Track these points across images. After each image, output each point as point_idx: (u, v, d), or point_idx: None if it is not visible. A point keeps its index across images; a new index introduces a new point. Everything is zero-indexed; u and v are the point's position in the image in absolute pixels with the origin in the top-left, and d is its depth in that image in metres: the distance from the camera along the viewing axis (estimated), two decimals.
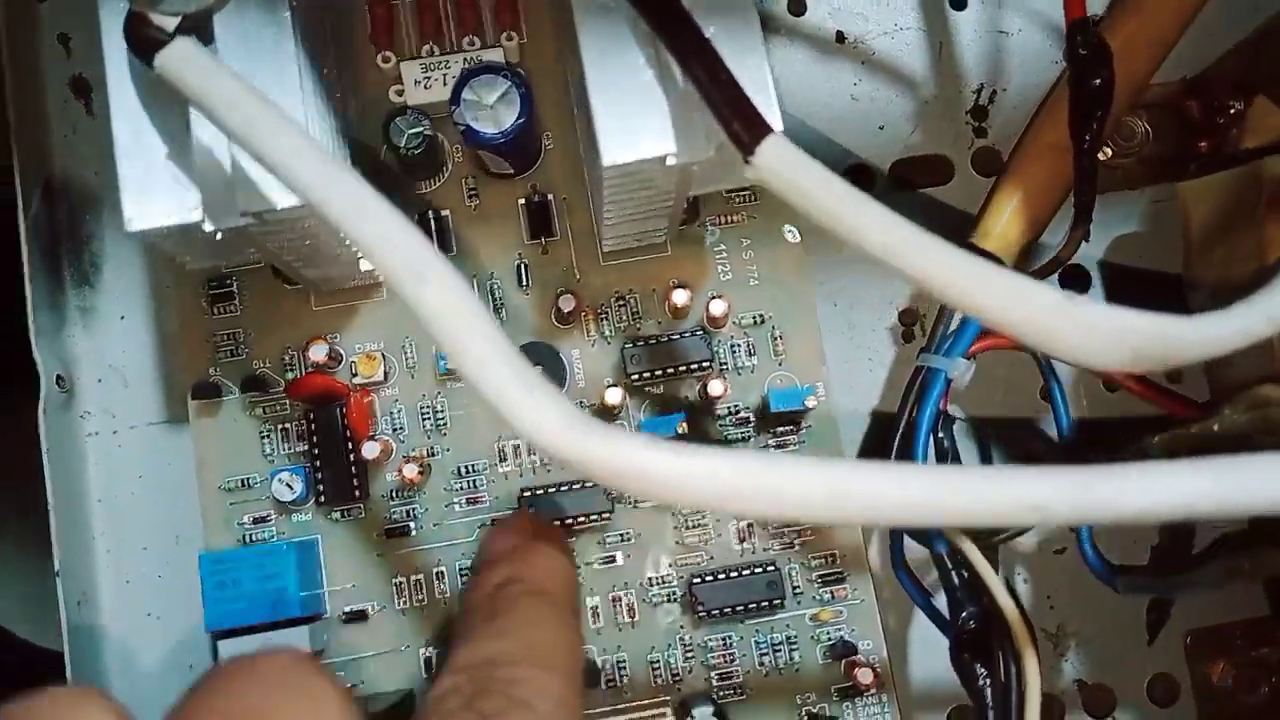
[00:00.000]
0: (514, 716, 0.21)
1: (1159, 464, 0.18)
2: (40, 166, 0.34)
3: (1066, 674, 0.34)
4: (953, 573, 0.30)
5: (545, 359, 0.31)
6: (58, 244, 0.34)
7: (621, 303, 0.33)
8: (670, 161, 0.25)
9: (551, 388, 0.19)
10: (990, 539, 0.30)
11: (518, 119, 0.30)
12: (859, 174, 0.36)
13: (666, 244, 0.33)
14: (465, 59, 0.32)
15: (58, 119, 0.35)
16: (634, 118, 0.25)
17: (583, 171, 0.33)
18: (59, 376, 0.33)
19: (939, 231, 0.36)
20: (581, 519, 0.31)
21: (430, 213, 0.33)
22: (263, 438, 0.32)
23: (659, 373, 0.32)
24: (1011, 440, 0.35)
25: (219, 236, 0.25)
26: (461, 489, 0.32)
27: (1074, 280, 0.36)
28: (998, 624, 0.29)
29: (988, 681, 0.28)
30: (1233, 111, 0.33)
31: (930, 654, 0.34)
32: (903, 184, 0.37)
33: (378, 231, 0.20)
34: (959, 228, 0.36)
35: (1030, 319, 0.20)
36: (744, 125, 0.23)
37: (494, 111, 0.30)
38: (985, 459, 0.34)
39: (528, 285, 0.33)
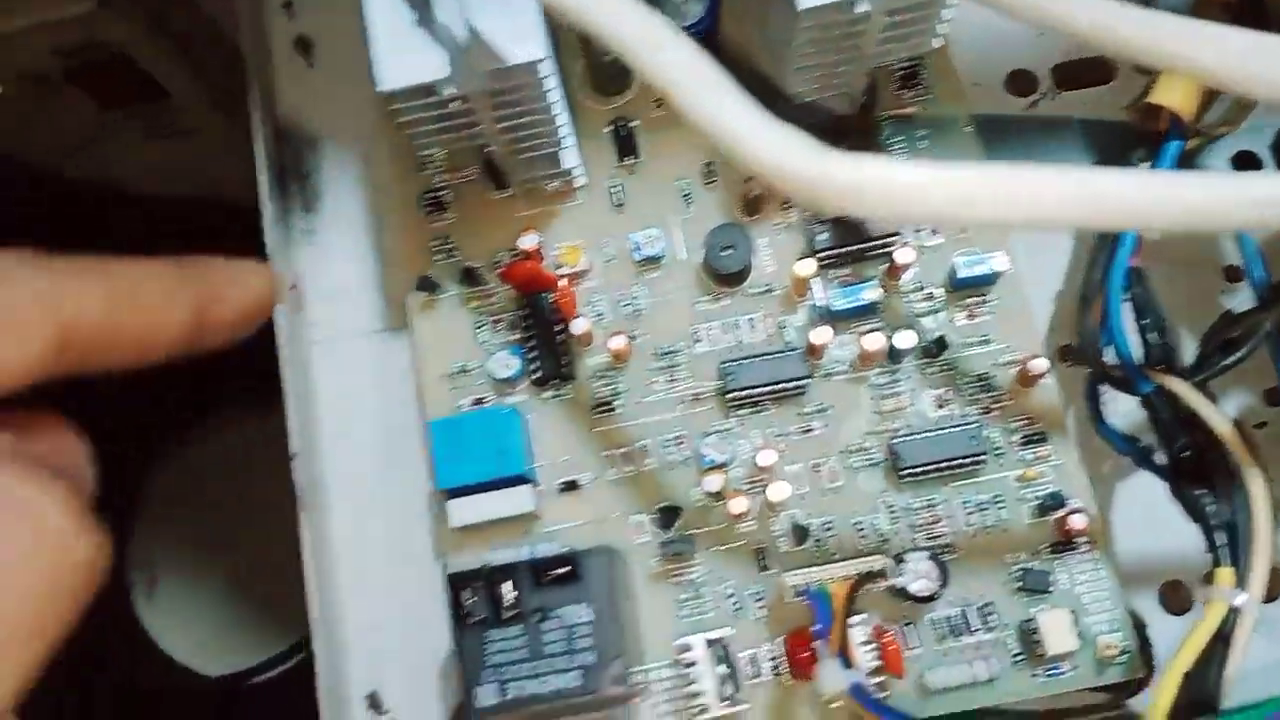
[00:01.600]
0: None
1: None
2: (270, 111, 0.38)
3: None
4: (1162, 411, 0.30)
5: (737, 239, 0.33)
6: (285, 176, 0.38)
7: None
8: (862, 7, 0.27)
9: (791, 127, 0.21)
10: (1202, 374, 0.30)
11: (704, 14, 0.32)
12: (1020, 79, 0.38)
13: (843, 136, 0.35)
14: None
15: (283, 71, 0.39)
16: None
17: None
18: (293, 284, 0.36)
19: (1102, 132, 0.38)
20: (779, 386, 0.33)
21: (619, 123, 0.36)
22: (477, 328, 0.34)
23: (845, 250, 0.33)
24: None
25: (453, 105, 0.28)
26: (661, 369, 0.34)
27: (1246, 165, 0.37)
28: (1214, 450, 0.29)
29: (1212, 503, 0.28)
30: None
31: (1136, 528, 0.34)
32: (1063, 85, 0.38)
33: (615, 8, 0.22)
34: (1123, 127, 0.37)
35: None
36: None
37: (682, 8, 0.33)
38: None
39: (714, 182, 0.35)
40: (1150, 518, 0.34)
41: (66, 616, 0.17)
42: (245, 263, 0.25)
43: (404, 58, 0.27)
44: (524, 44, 0.27)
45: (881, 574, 0.30)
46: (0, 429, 0.19)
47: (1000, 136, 0.37)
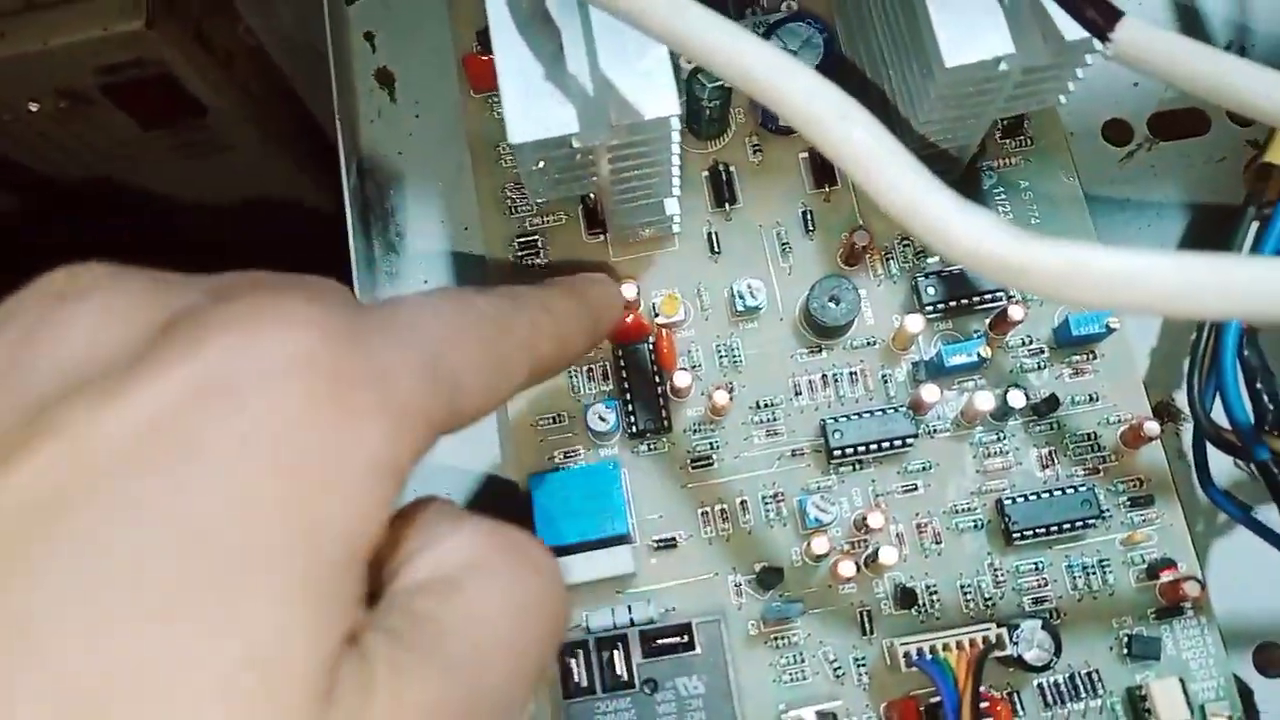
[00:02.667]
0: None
1: None
2: (354, 146, 0.37)
3: None
4: (1274, 478, 0.29)
5: (844, 292, 0.33)
6: (368, 214, 0.37)
7: (906, 243, 0.34)
8: (1004, 66, 0.27)
9: (982, 207, 0.20)
10: None
11: (821, 61, 0.32)
12: (1116, 129, 0.38)
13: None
14: (754, 24, 0.35)
15: (365, 106, 0.38)
16: (970, 20, 0.26)
17: None
18: None
19: (1205, 179, 0.37)
20: (885, 445, 0.32)
21: (717, 168, 0.35)
22: (571, 376, 0.34)
23: (952, 303, 0.33)
24: None
25: (578, 157, 0.28)
26: (760, 422, 0.33)
27: None
28: None
29: None
30: None
31: (1230, 588, 0.33)
32: (1160, 135, 0.37)
33: (800, 85, 0.21)
34: (1218, 178, 0.37)
35: None
36: (1098, 11, 0.24)
37: (798, 57, 0.32)
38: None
39: (812, 231, 0.35)
40: (1242, 577, 0.34)
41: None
42: (609, 285, 0.29)
43: (535, 110, 0.26)
44: (660, 99, 0.26)
45: (998, 644, 0.29)
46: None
47: (1096, 186, 0.37)
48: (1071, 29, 0.26)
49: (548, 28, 0.27)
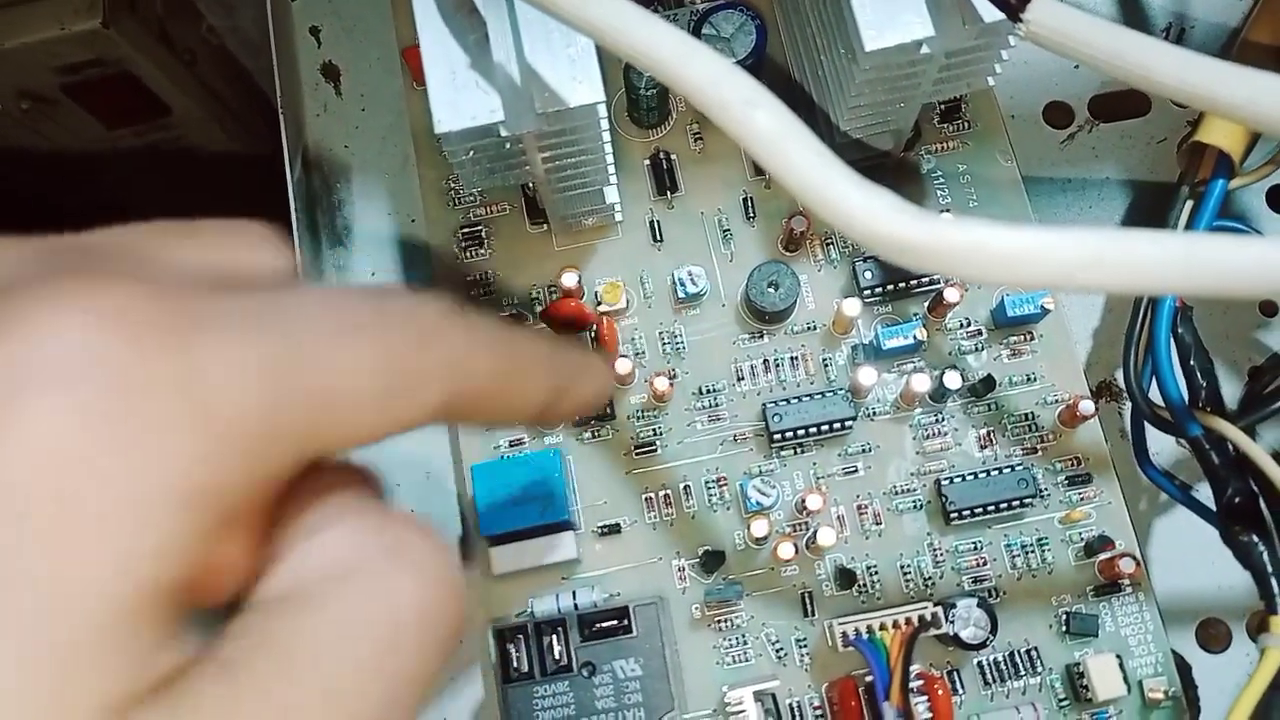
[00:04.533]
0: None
1: None
2: (298, 140, 0.37)
3: None
4: (1211, 453, 0.30)
5: (783, 277, 0.33)
6: (314, 208, 0.37)
7: None
8: (926, 49, 0.27)
9: (882, 188, 0.20)
10: (1250, 418, 0.30)
11: (754, 47, 0.32)
12: (1057, 111, 0.38)
13: (888, 172, 0.34)
14: (691, 12, 0.35)
15: (311, 100, 0.38)
16: (891, 4, 0.27)
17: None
18: None
19: (1145, 160, 0.37)
20: (824, 428, 0.32)
21: (659, 156, 0.35)
22: None
23: (890, 287, 0.33)
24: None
25: (507, 146, 0.28)
26: (702, 408, 0.33)
27: None
28: (1266, 493, 0.28)
29: (1264, 550, 0.28)
30: None
31: (1170, 566, 0.34)
32: (1101, 117, 0.38)
33: (707, 70, 0.22)
34: (1158, 158, 0.37)
35: None
36: None
37: (730, 42, 0.32)
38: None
39: (754, 218, 0.35)
40: (1183, 554, 0.34)
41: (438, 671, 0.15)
42: (597, 357, 0.24)
43: (460, 100, 0.27)
44: (583, 86, 0.26)
45: (933, 622, 0.30)
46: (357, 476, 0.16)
47: (1037, 169, 0.37)
48: (990, 10, 0.26)
49: (473, 17, 0.27)
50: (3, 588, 0.11)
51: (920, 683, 0.30)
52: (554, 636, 0.29)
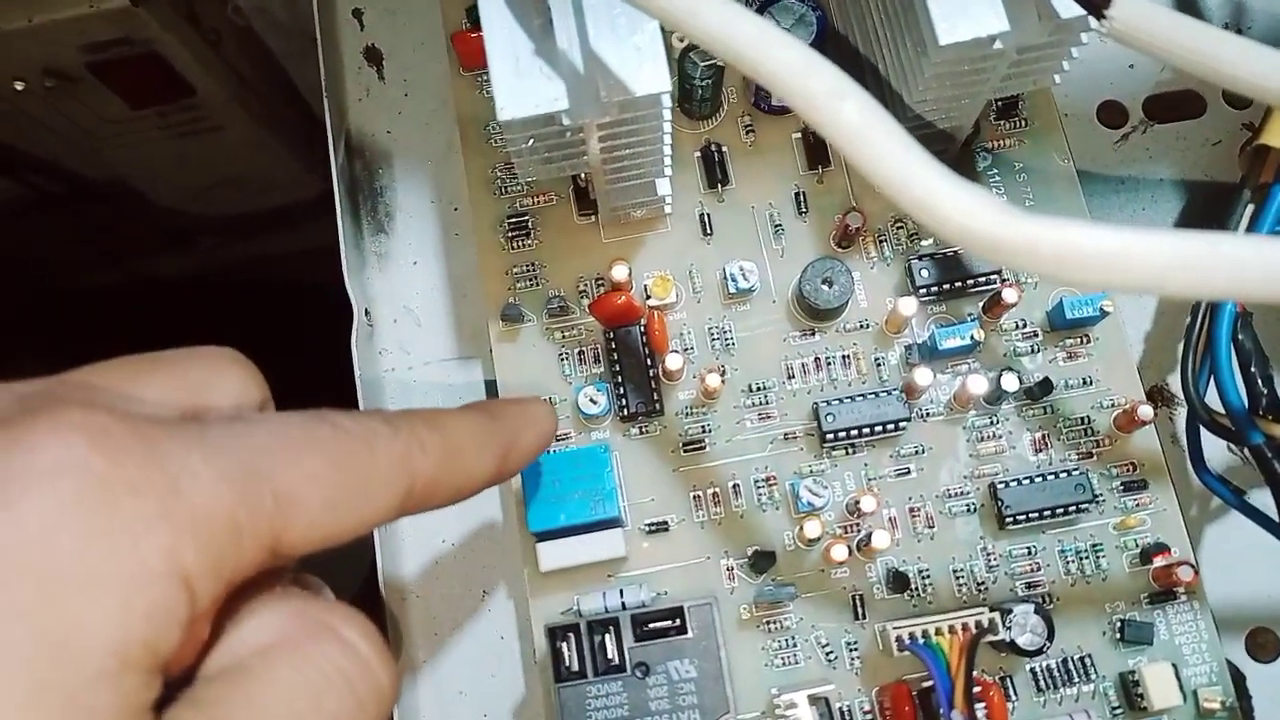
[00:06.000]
0: None
1: None
2: (341, 124, 0.37)
3: None
4: (1273, 461, 0.29)
5: (837, 274, 0.32)
6: (357, 194, 0.37)
7: (899, 225, 0.34)
8: (999, 44, 0.26)
9: (975, 184, 0.20)
10: None
11: (814, 39, 0.31)
12: (1111, 111, 0.37)
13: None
14: (749, 2, 0.34)
15: (354, 84, 0.38)
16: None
17: None
18: (365, 310, 0.35)
19: (1200, 162, 0.37)
20: (878, 429, 0.32)
21: (710, 148, 0.35)
22: (562, 359, 0.33)
23: (946, 286, 0.33)
24: None
25: (568, 134, 0.27)
26: (752, 405, 0.33)
27: None
28: None
29: None
30: None
31: (1223, 573, 0.33)
32: (1155, 118, 0.37)
33: (793, 60, 0.21)
34: (1213, 160, 0.36)
35: None
36: None
37: (791, 34, 0.31)
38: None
39: (805, 213, 0.34)
40: (1235, 561, 0.34)
41: None
42: (533, 402, 0.25)
43: (524, 87, 0.26)
44: (651, 75, 0.26)
45: (991, 628, 0.29)
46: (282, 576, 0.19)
47: (1091, 168, 0.36)
48: (1067, 6, 0.26)
49: (537, 3, 0.27)
50: (6, 638, 0.13)
51: (976, 689, 0.29)
52: (606, 635, 0.28)
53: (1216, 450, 0.34)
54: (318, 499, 0.17)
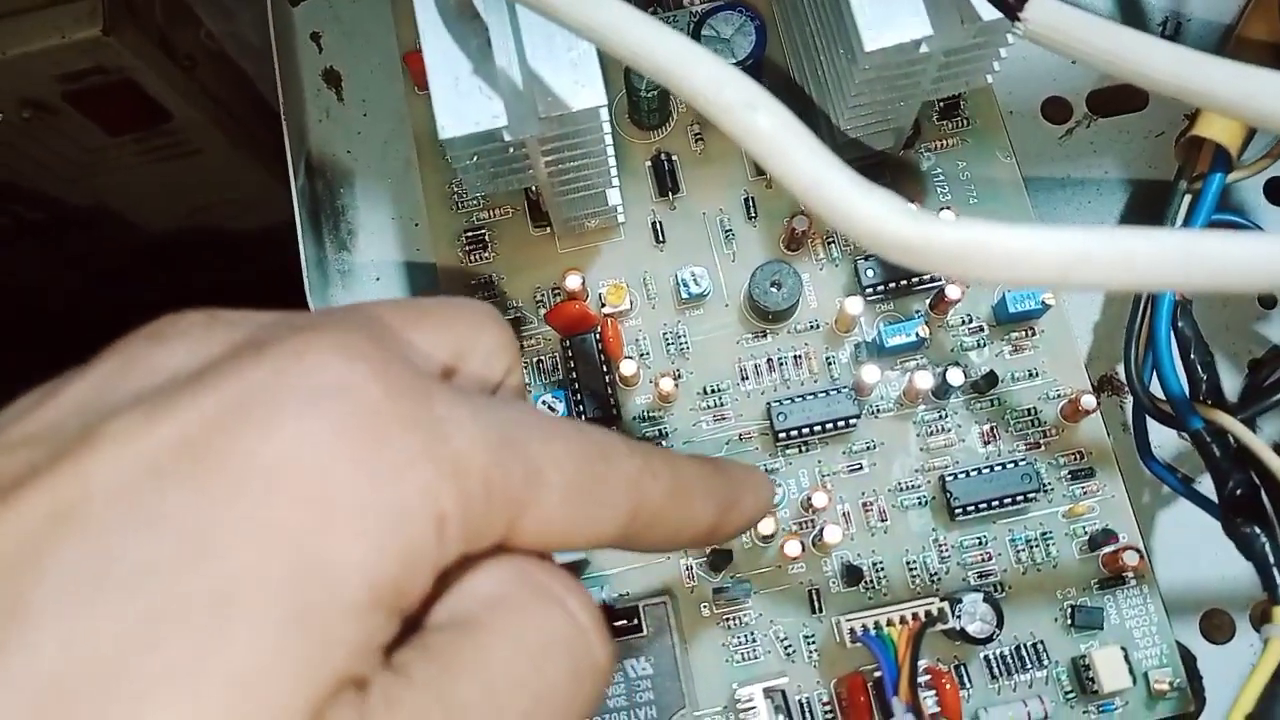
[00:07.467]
0: None
1: None
2: (301, 146, 0.38)
3: None
4: (1212, 446, 0.30)
5: (785, 276, 0.33)
6: (319, 213, 0.38)
7: None
8: (925, 48, 0.27)
9: (884, 189, 0.21)
10: (1250, 410, 0.30)
11: (753, 48, 0.32)
12: (1056, 106, 0.38)
13: (887, 170, 0.35)
14: (690, 14, 0.35)
15: (313, 106, 0.39)
16: (890, 4, 0.27)
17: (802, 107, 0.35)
18: None
19: (1143, 154, 0.38)
20: (829, 426, 0.32)
21: (660, 157, 0.35)
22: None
23: (892, 285, 0.33)
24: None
25: (511, 150, 0.28)
26: (708, 407, 0.34)
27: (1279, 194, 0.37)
28: (1267, 484, 0.29)
29: (1266, 540, 0.28)
30: None
31: (1174, 557, 0.34)
32: (1099, 112, 0.38)
33: (708, 73, 0.22)
34: (1156, 152, 0.37)
35: None
36: None
37: (730, 44, 0.32)
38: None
39: (755, 217, 0.35)
40: (1186, 546, 0.34)
41: None
42: (755, 470, 0.25)
43: (464, 105, 0.27)
44: (585, 90, 0.26)
45: (940, 617, 0.30)
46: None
47: (1036, 165, 0.37)
48: (988, 9, 0.27)
49: (475, 23, 0.27)
50: (270, 556, 0.13)
51: (928, 677, 0.30)
52: None
53: (1169, 438, 0.35)
54: (559, 490, 0.16)
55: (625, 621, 0.29)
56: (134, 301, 0.82)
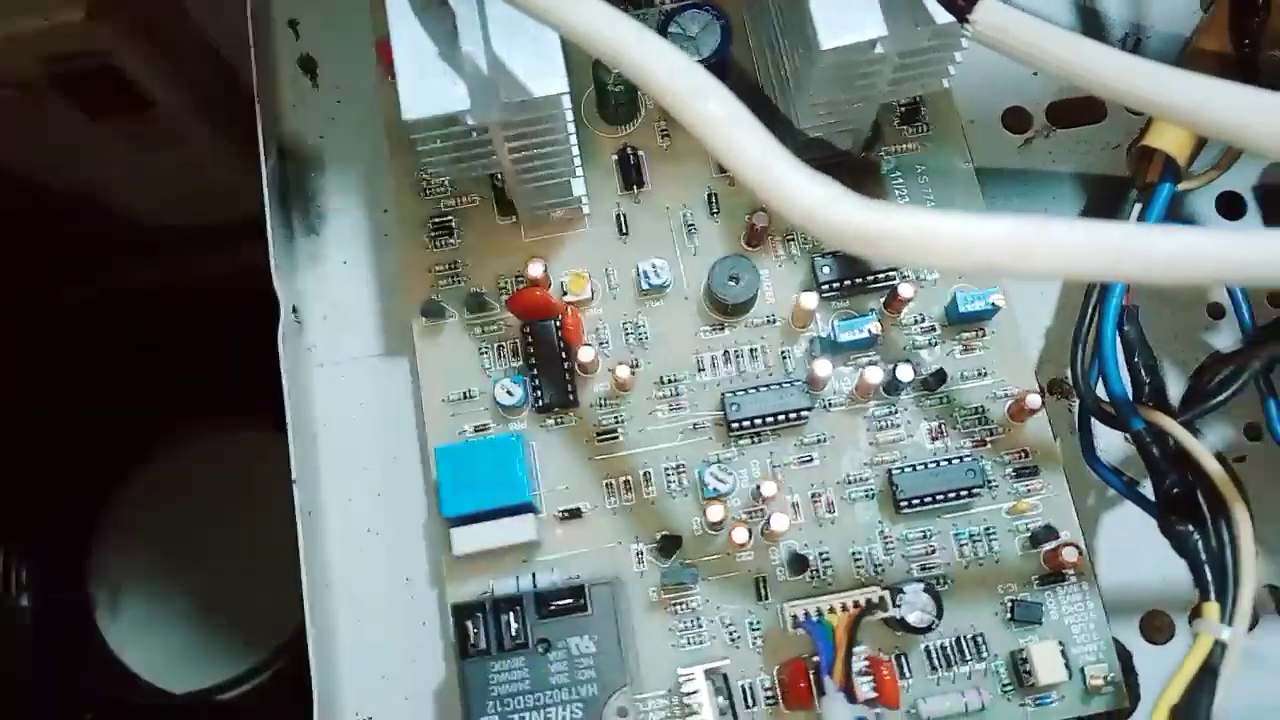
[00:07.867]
0: None
1: None
2: (274, 131, 0.38)
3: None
4: (1152, 446, 0.31)
5: (744, 271, 0.34)
6: (288, 199, 0.38)
7: None
8: (879, 49, 0.28)
9: (828, 177, 0.21)
10: (1191, 413, 0.31)
11: (718, 46, 0.33)
12: (1015, 116, 0.39)
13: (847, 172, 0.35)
14: (660, 12, 0.36)
15: (288, 91, 0.39)
16: (846, 4, 0.28)
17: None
18: (294, 307, 0.36)
19: (1100, 164, 0.39)
20: (781, 418, 0.33)
21: (627, 152, 0.36)
22: (481, 354, 0.35)
23: (848, 282, 0.34)
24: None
25: (474, 135, 0.29)
26: (664, 397, 0.34)
27: (1230, 206, 0.38)
28: (1203, 485, 0.29)
29: (1199, 539, 0.29)
30: None
31: (1117, 558, 0.35)
32: (1058, 123, 0.39)
33: (663, 62, 0.23)
34: (1113, 163, 0.38)
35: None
36: None
37: (696, 42, 0.33)
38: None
39: (717, 213, 0.36)
40: (1130, 547, 0.35)
41: None
42: None
43: (428, 88, 0.27)
44: (547, 77, 0.27)
45: (880, 605, 0.30)
46: None
47: (996, 170, 0.38)
48: (941, 13, 0.27)
49: (442, 9, 0.28)
50: None
51: (867, 664, 0.31)
52: (511, 614, 0.29)
53: (1115, 443, 0.35)
54: None
55: (571, 600, 0.29)
56: (119, 288, 0.82)
